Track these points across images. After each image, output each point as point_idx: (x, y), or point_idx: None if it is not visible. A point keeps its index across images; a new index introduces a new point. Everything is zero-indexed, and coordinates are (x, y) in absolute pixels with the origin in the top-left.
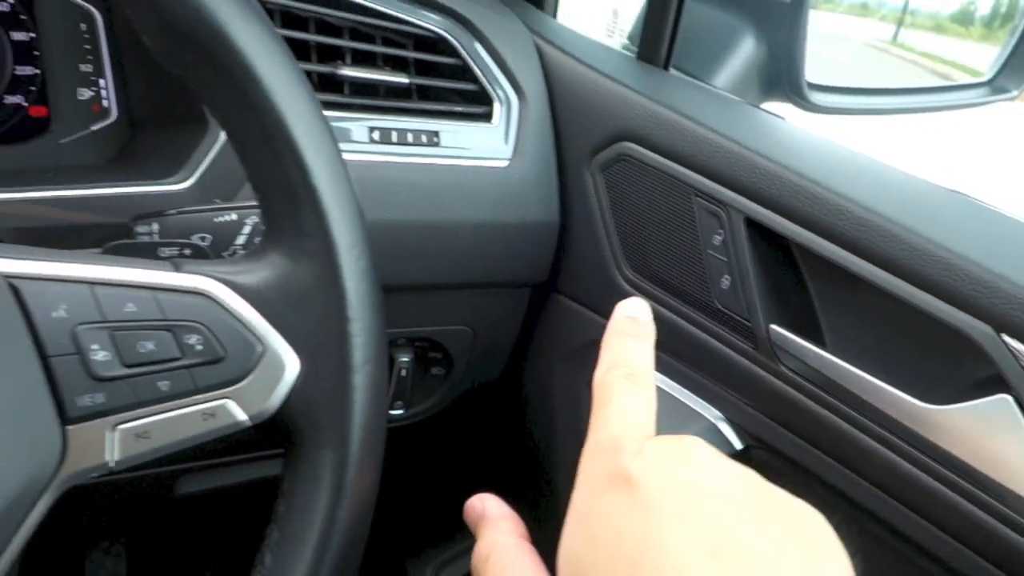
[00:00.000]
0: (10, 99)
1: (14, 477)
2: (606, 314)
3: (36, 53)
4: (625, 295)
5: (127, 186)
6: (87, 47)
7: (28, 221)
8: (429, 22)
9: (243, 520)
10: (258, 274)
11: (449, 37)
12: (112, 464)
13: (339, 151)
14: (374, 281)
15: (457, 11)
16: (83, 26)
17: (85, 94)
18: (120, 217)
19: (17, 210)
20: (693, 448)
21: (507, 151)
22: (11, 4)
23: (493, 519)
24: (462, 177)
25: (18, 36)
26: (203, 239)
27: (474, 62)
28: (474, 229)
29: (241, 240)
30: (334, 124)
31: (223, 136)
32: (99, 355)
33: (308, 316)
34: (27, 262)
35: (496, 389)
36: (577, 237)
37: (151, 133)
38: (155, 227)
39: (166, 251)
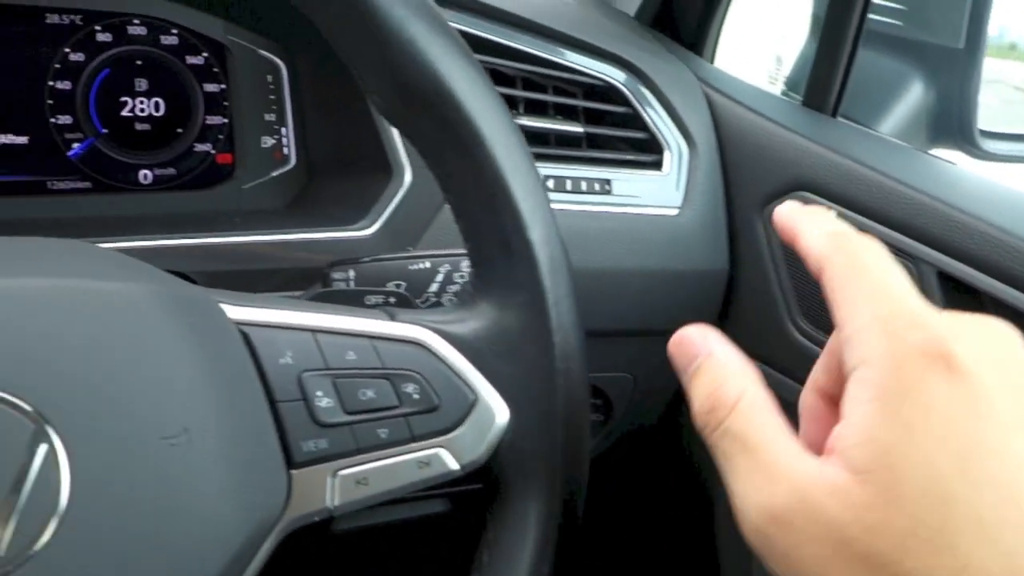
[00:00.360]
0: (200, 147)
1: (247, 520)
2: (775, 365)
3: (225, 103)
4: (797, 346)
5: (314, 232)
6: (271, 97)
7: (221, 264)
8: (600, 71)
9: (403, 558)
10: (469, 324)
11: (620, 85)
12: (332, 509)
13: (551, 206)
14: (581, 334)
15: (626, 59)
16: (269, 77)
17: (268, 142)
18: (307, 262)
19: (211, 254)
20: (1010, 335)
21: (677, 199)
22: (204, 57)
23: (729, 361)
24: (632, 225)
25: (210, 88)
26: (398, 286)
27: (644, 110)
28: (642, 277)
29: (434, 288)
30: None
31: (406, 184)
32: (323, 402)
33: (517, 366)
34: (254, 309)
35: (655, 434)
36: (746, 286)
37: (327, 179)
38: (351, 274)
39: (372, 299)
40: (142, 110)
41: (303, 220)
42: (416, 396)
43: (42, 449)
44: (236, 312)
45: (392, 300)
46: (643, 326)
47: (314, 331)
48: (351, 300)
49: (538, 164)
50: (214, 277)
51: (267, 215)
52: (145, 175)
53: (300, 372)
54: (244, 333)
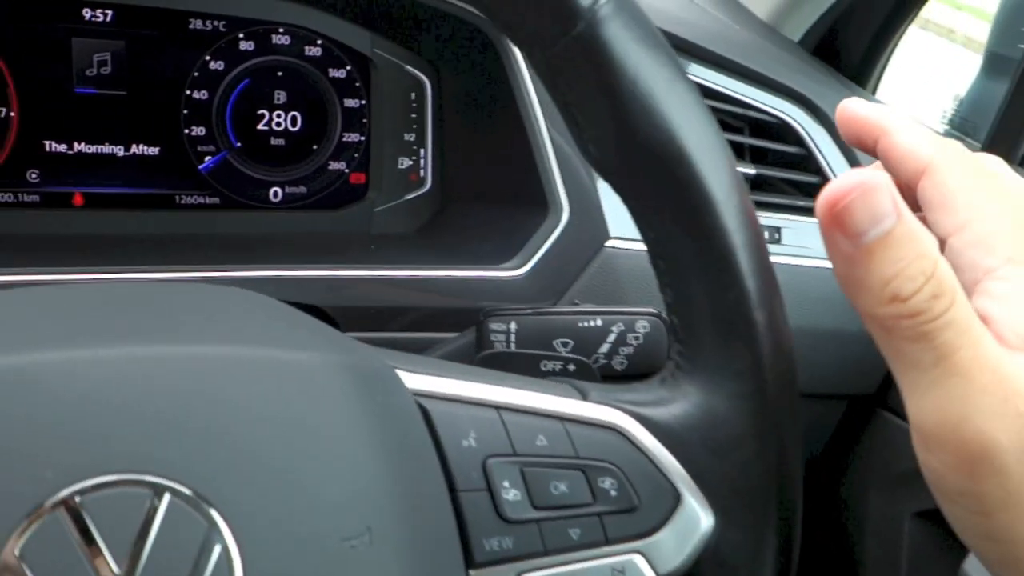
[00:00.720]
0: (334, 165)
1: None
2: None
3: (364, 120)
4: None
5: (457, 269)
6: (413, 116)
7: (354, 299)
8: (772, 105)
9: None
10: (672, 409)
11: (793, 123)
12: None
13: (778, 284)
14: (801, 432)
15: (801, 94)
16: (412, 95)
17: (405, 163)
18: (448, 302)
19: (344, 286)
20: None
21: None
22: (347, 71)
23: (923, 228)
24: (800, 279)
25: (350, 103)
26: (564, 344)
27: (819, 151)
28: (805, 335)
29: (604, 349)
30: None
31: (562, 222)
32: (510, 494)
33: (728, 465)
34: (432, 378)
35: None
36: None
37: (463, 207)
38: (512, 327)
39: (549, 364)
40: (278, 124)
41: (441, 254)
42: (613, 493)
43: (216, 551)
44: (414, 381)
45: (571, 367)
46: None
47: (499, 408)
48: (523, 365)
49: None
50: (346, 312)
51: (402, 245)
52: (275, 192)
53: (485, 457)
54: (423, 408)
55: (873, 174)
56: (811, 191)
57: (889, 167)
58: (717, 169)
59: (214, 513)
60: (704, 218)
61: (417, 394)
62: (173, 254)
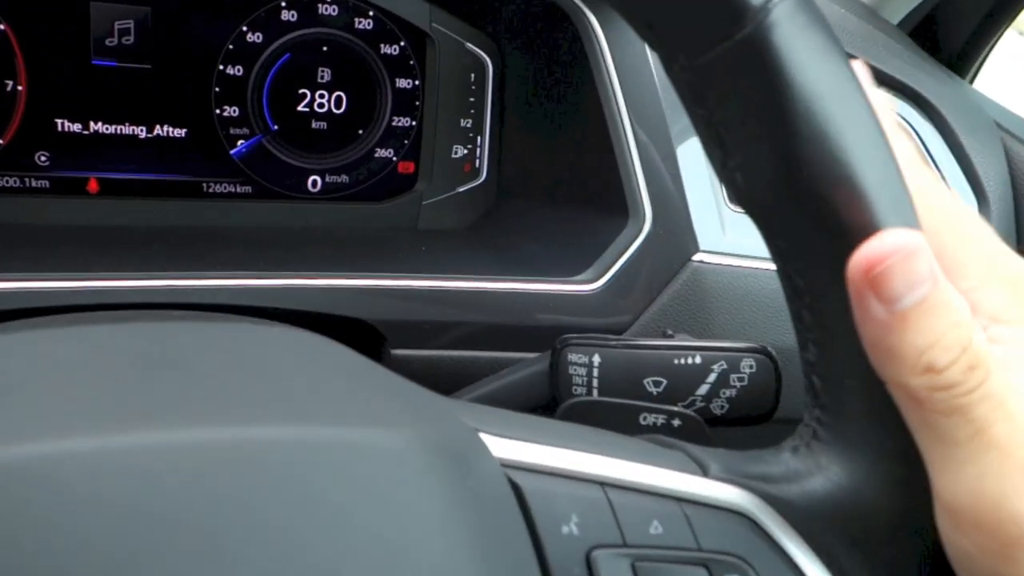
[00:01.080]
0: (381, 152)
1: None
2: None
3: (417, 103)
4: None
5: (522, 281)
6: (471, 100)
7: (404, 314)
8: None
9: None
10: (808, 487)
11: (902, 119)
12: None
13: None
14: None
15: (912, 88)
16: (472, 76)
17: (459, 152)
18: (509, 317)
19: (393, 296)
20: None
21: None
22: (401, 47)
23: (957, 296)
24: None
25: (402, 84)
26: (657, 384)
27: (930, 155)
28: None
29: (702, 390)
30: (733, 217)
31: (644, 232)
32: None
33: (877, 562)
34: (523, 444)
35: None
36: None
37: (520, 204)
38: (595, 359)
39: (650, 418)
40: (321, 105)
41: (500, 260)
42: None
43: None
44: (502, 448)
45: (677, 423)
46: None
47: (605, 485)
48: (617, 416)
49: None
50: (394, 327)
51: (454, 245)
52: (314, 182)
53: (590, 548)
54: (516, 485)
55: (912, 236)
56: None
57: None
58: (897, 215)
59: None
60: None
61: (507, 465)
62: (199, 252)
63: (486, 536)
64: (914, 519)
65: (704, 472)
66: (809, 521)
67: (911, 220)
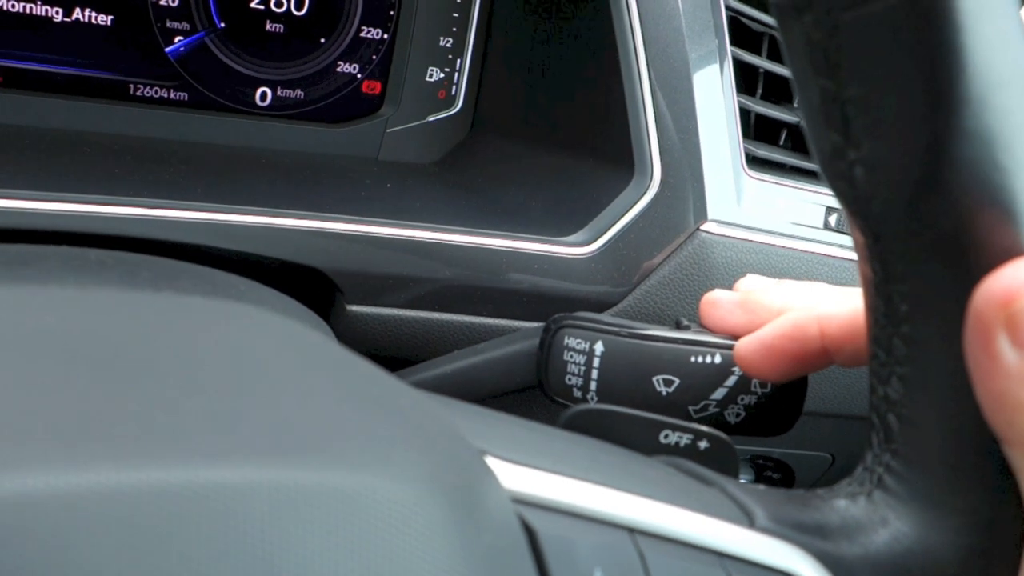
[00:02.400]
0: (344, 67)
1: None
2: None
3: (391, 13)
4: None
5: (506, 238)
6: (454, 15)
7: (365, 265)
8: None
9: None
10: (872, 549)
11: None
12: None
13: None
14: None
15: None
16: None
17: (434, 74)
18: (489, 278)
19: (353, 242)
20: None
21: None
22: None
23: None
24: None
25: None
26: (668, 382)
27: None
28: None
29: (718, 394)
30: (787, 194)
31: (651, 192)
32: None
33: None
34: (536, 473)
35: None
36: None
37: (495, 141)
38: (598, 348)
39: (673, 437)
40: (279, 3)
41: (482, 210)
42: None
43: None
44: (512, 478)
45: (704, 445)
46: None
47: (634, 531)
48: (632, 432)
49: (825, 190)
50: (354, 279)
51: (424, 183)
52: (263, 94)
53: None
54: (529, 528)
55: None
56: None
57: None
58: None
59: None
60: None
61: (519, 501)
62: (122, 169)
63: None
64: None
65: (750, 522)
66: None
67: None
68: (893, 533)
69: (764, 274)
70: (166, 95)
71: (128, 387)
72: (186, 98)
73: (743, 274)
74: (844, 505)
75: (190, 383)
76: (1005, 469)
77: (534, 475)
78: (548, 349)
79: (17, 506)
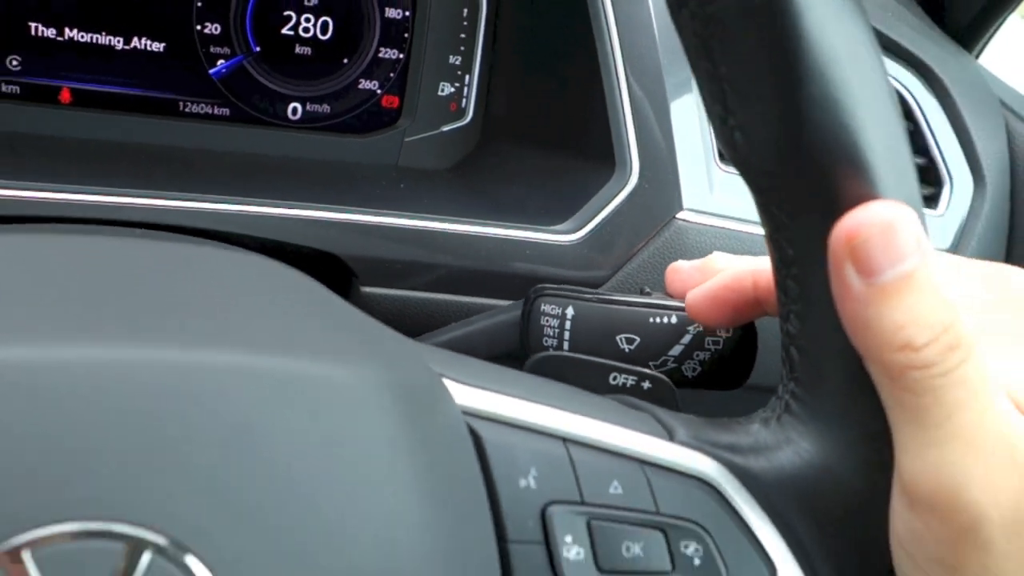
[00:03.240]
0: (365, 84)
1: None
2: None
3: (406, 35)
4: None
5: (500, 226)
6: (462, 36)
7: (377, 250)
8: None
9: None
10: (775, 460)
11: (905, 92)
12: None
13: None
14: None
15: (918, 57)
16: (464, 11)
17: (446, 89)
18: (487, 262)
19: (367, 233)
20: None
21: (944, 245)
22: None
23: (948, 278)
24: None
25: (391, 13)
26: (629, 341)
27: (929, 127)
28: None
29: (675, 351)
30: (723, 177)
31: (630, 185)
32: (571, 551)
33: (842, 544)
34: (487, 394)
35: None
36: None
37: (504, 147)
38: (569, 312)
39: (620, 378)
40: (306, 29)
41: (483, 204)
42: (697, 561)
43: None
44: (465, 396)
45: (647, 385)
46: None
47: (568, 441)
48: (587, 374)
49: None
50: (367, 263)
51: (435, 185)
52: (294, 109)
53: (545, 504)
54: (475, 433)
55: (899, 208)
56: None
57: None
58: (901, 189)
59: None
60: None
61: (468, 413)
62: (171, 173)
63: (439, 481)
64: (881, 501)
65: (670, 436)
66: (773, 494)
67: (912, 196)
68: (796, 450)
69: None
70: (210, 111)
71: (133, 294)
72: (228, 113)
73: None
74: (756, 428)
75: (194, 297)
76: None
77: (483, 394)
78: (528, 317)
79: (26, 372)
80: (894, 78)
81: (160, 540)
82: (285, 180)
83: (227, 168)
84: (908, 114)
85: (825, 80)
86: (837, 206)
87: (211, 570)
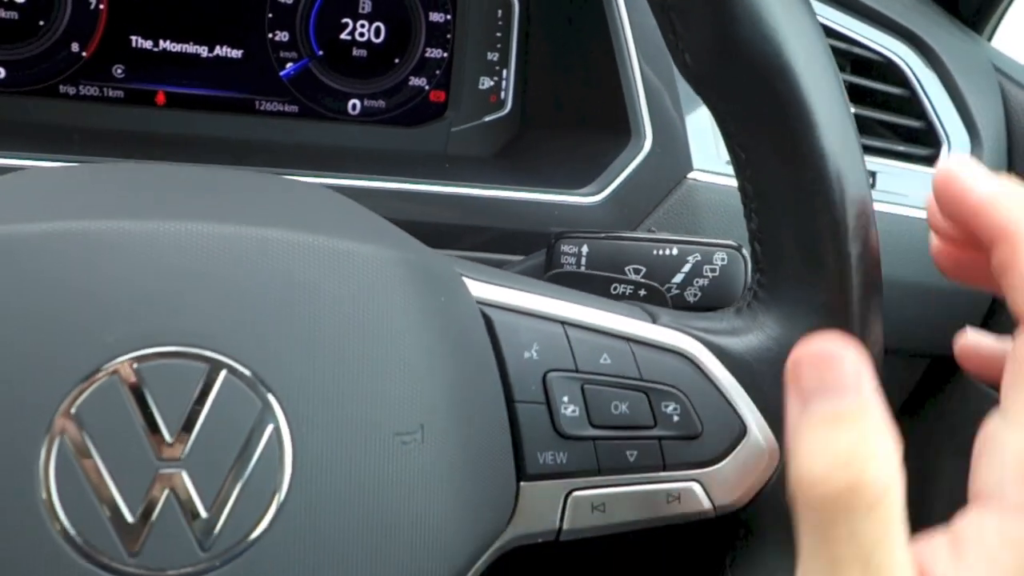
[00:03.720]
0: (415, 81)
1: (470, 534)
2: None
3: (448, 36)
4: None
5: (532, 191)
6: (498, 35)
7: (426, 214)
8: (878, 41)
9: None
10: (745, 339)
11: (900, 62)
12: (559, 531)
13: (875, 218)
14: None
15: (912, 31)
16: (499, 12)
17: (486, 83)
18: (521, 223)
19: (417, 201)
20: None
21: None
22: None
23: (882, 423)
24: (894, 227)
25: (435, 17)
26: (637, 271)
27: (925, 94)
28: (890, 287)
29: (678, 279)
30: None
31: (644, 150)
32: (568, 409)
33: None
34: (498, 288)
35: None
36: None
37: (542, 132)
38: (584, 249)
39: (620, 288)
40: (361, 35)
41: (518, 176)
42: (676, 418)
43: (267, 431)
44: (479, 289)
45: (642, 293)
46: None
47: (565, 323)
48: (592, 285)
49: None
50: (415, 227)
51: (478, 165)
52: (354, 105)
53: (546, 371)
54: (487, 316)
55: (840, 344)
56: (912, 136)
57: (959, 219)
58: (823, 88)
59: (269, 396)
60: (803, 139)
61: (481, 302)
62: (250, 159)
63: (456, 349)
64: None
65: (654, 321)
66: (744, 365)
67: (833, 74)
68: (766, 331)
69: (740, 211)
70: (281, 108)
71: (228, 195)
72: (296, 110)
73: (724, 212)
74: (730, 315)
75: (270, 200)
76: (828, 262)
77: (495, 288)
78: (550, 257)
79: (154, 238)
80: (889, 49)
81: (234, 364)
82: (346, 163)
83: (296, 157)
84: (904, 82)
85: (747, 5)
86: (770, 109)
87: (272, 392)
